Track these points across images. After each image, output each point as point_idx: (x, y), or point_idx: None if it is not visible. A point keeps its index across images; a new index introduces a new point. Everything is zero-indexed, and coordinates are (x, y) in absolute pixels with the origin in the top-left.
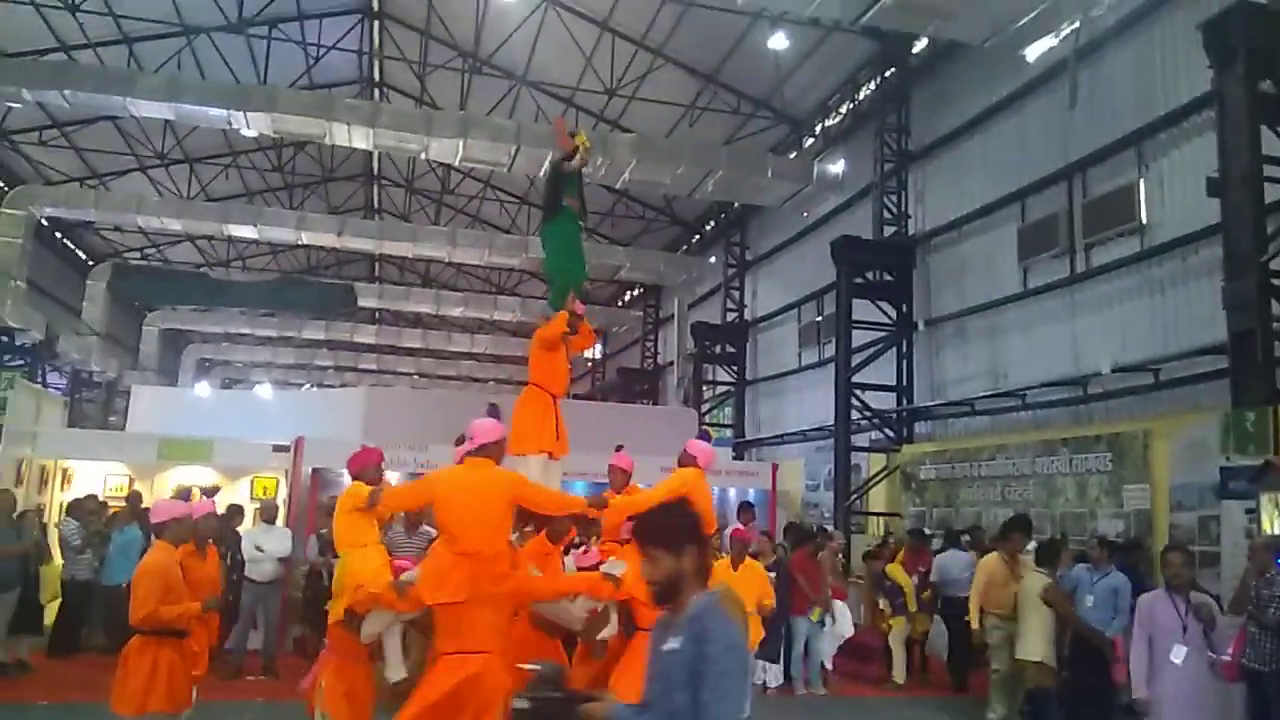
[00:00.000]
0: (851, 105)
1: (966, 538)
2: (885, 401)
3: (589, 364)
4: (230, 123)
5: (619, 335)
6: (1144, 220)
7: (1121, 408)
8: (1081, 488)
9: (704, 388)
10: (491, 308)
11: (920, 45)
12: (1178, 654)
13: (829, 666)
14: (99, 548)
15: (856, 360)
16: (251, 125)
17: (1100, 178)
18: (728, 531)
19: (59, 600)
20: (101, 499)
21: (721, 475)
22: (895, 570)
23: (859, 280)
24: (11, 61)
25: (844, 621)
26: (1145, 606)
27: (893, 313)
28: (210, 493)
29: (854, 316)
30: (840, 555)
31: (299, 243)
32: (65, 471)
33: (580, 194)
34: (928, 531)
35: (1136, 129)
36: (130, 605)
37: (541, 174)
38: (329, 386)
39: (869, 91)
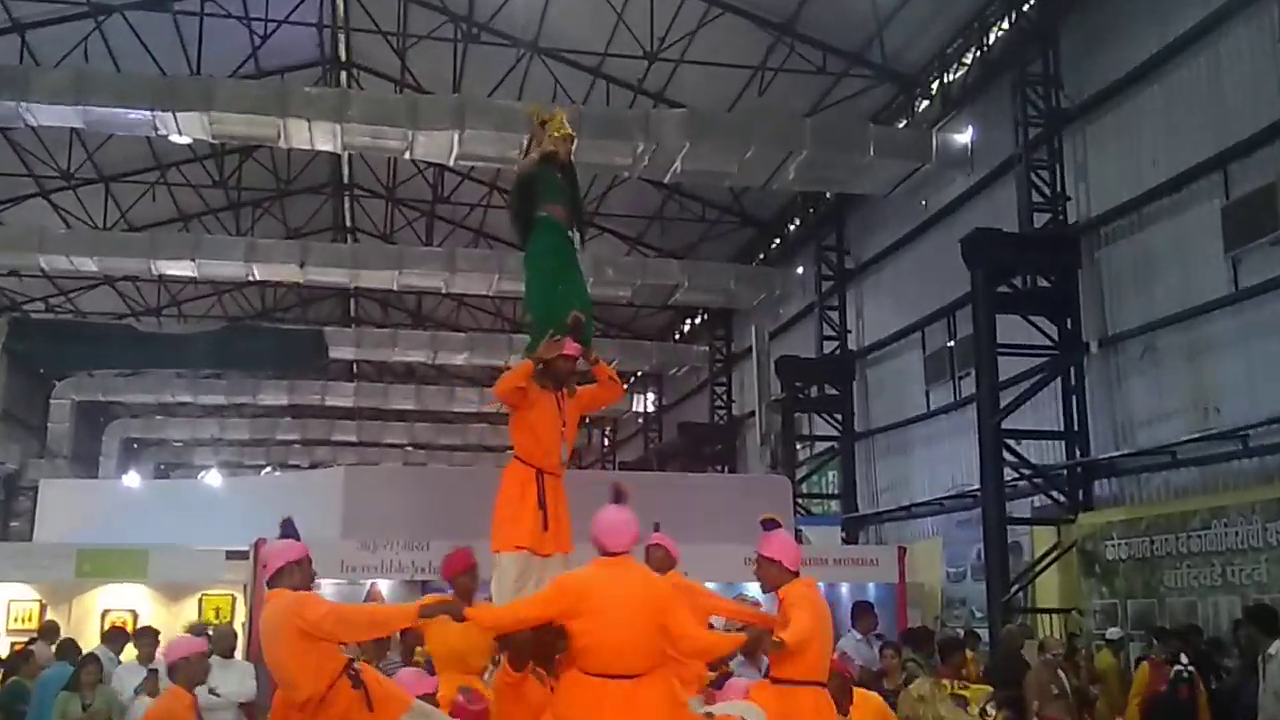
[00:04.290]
0: (979, 53)
1: None
2: (1050, 454)
3: (639, 420)
4: (156, 127)
5: (678, 379)
6: None
7: None
8: None
9: (798, 445)
10: (506, 350)
11: None
12: None
13: None
14: None
15: (1006, 398)
16: (183, 129)
17: None
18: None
19: None
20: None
21: (828, 565)
22: None
23: (1003, 289)
24: None
25: None
26: None
27: (1053, 331)
28: (198, 630)
29: (999, 338)
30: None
31: (249, 279)
32: None
33: (572, 195)
34: (1119, 633)
35: None
36: None
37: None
38: (296, 468)
39: (1001, 33)
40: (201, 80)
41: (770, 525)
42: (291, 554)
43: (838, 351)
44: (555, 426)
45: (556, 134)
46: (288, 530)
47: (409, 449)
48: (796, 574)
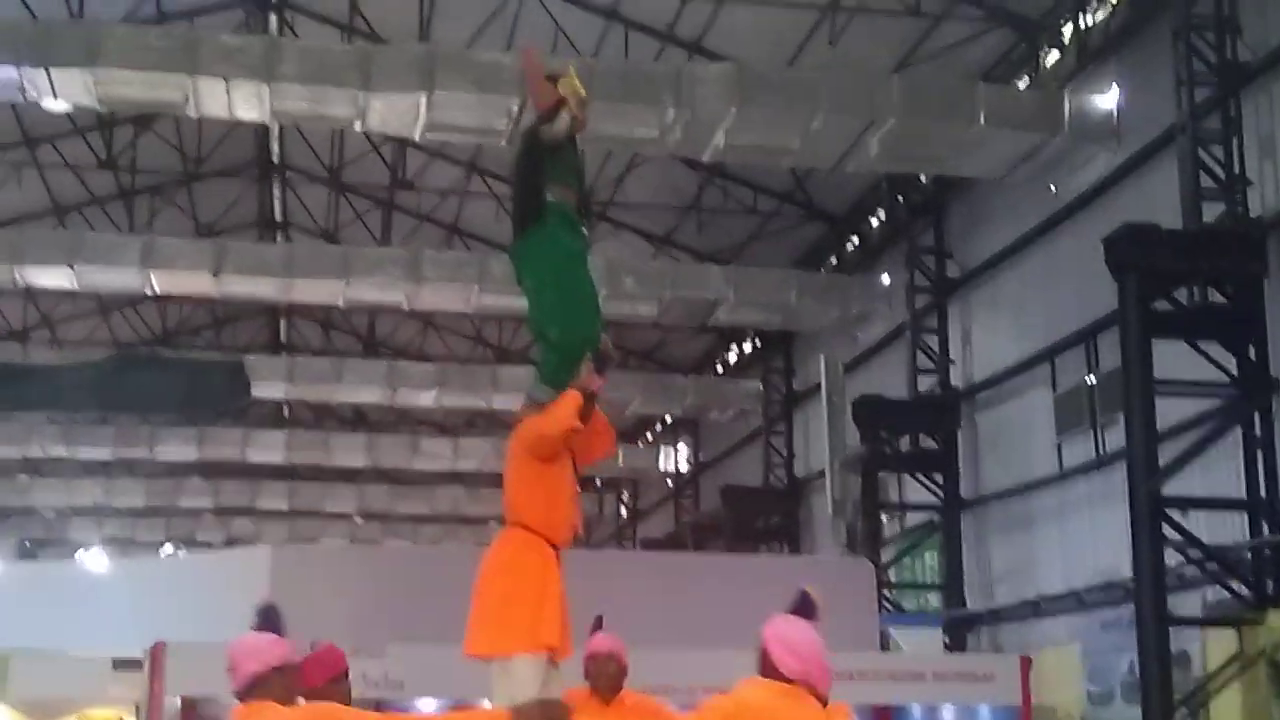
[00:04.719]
0: None
1: None
2: (1228, 529)
3: (668, 483)
4: (23, 89)
5: (721, 427)
6: None
7: None
8: None
9: (884, 517)
10: (488, 387)
11: None
12: None
13: None
14: None
15: (1168, 454)
16: (59, 91)
17: None
18: None
19: None
20: None
21: (926, 680)
22: None
23: (1163, 305)
24: None
25: None
26: None
27: (1230, 362)
28: None
29: (1157, 372)
30: None
31: (146, 291)
32: None
33: (579, 180)
34: None
35: None
36: None
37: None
38: (206, 547)
39: None
40: (84, 26)
41: (800, 602)
42: (274, 654)
43: (937, 390)
44: (572, 487)
45: (575, 100)
46: (268, 620)
47: (357, 520)
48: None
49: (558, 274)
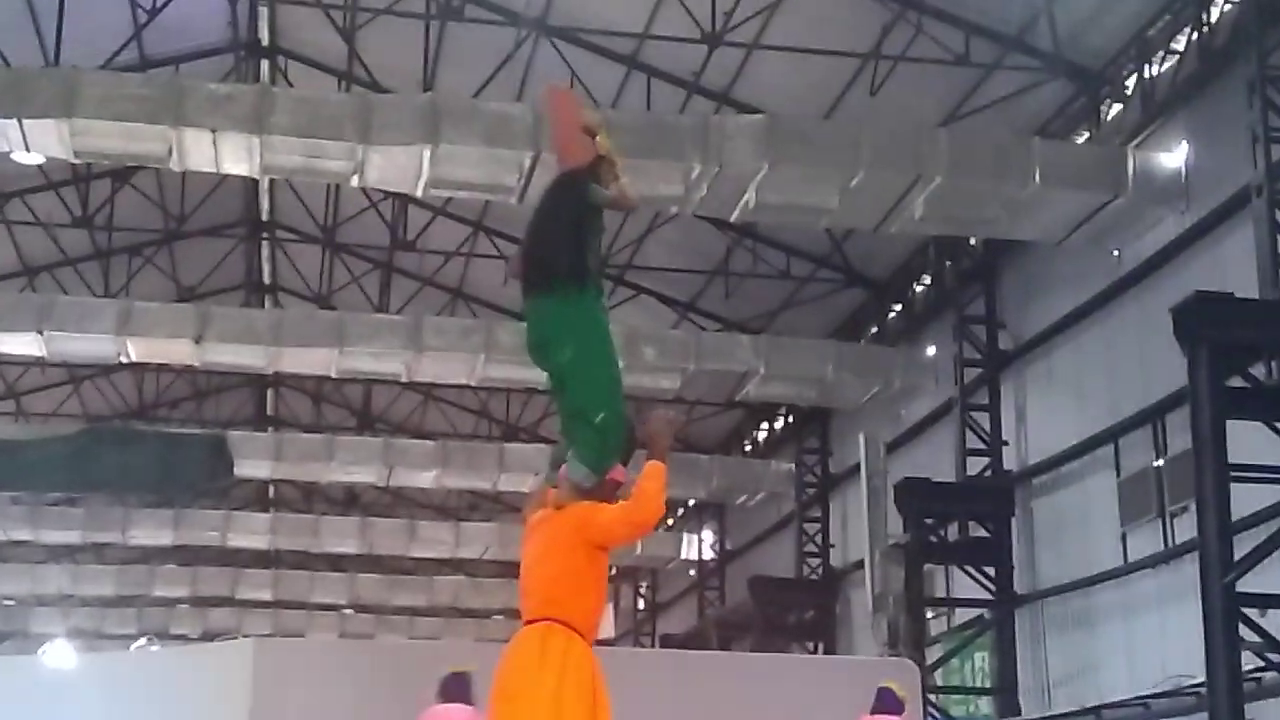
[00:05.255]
0: (1195, 36)
1: None
2: None
3: (691, 573)
4: None
5: (749, 512)
6: None
7: None
8: None
9: (930, 613)
10: (494, 467)
11: None
12: None
13: None
14: None
15: (1243, 547)
16: (31, 143)
17: None
18: None
19: None
20: None
21: None
22: None
23: (1236, 383)
24: None
25: None
26: None
27: None
28: None
29: (1232, 455)
30: None
31: (121, 359)
32: None
33: (600, 244)
34: None
35: None
36: None
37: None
38: (182, 640)
39: (1228, 8)
40: (60, 73)
41: (884, 700)
42: None
43: (988, 473)
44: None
45: (614, 161)
46: (458, 690)
47: (348, 613)
48: None
49: (603, 352)
